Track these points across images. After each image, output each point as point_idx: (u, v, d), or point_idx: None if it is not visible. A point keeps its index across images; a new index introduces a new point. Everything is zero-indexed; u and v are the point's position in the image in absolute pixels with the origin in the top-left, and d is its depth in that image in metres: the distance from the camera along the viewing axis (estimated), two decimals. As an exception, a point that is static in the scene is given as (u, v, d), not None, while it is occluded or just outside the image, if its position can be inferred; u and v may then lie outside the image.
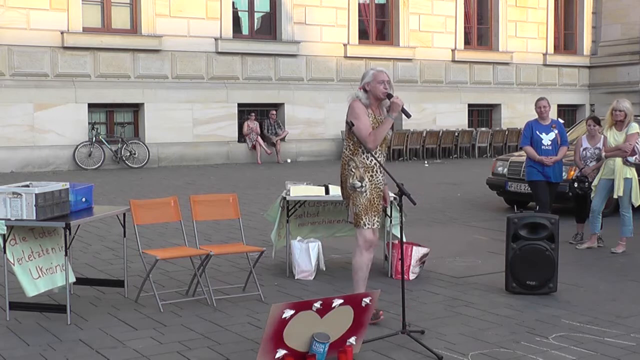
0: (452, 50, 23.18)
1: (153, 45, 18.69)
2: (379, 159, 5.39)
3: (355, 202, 5.38)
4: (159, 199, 6.79)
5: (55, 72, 17.66)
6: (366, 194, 5.35)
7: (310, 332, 4.44)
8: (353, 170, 5.38)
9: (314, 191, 7.05)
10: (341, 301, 4.54)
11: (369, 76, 5.43)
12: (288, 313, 4.32)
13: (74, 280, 6.10)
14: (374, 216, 5.39)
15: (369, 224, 5.38)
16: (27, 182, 5.67)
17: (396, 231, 6.79)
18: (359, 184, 5.34)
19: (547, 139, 8.68)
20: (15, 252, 5.44)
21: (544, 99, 8.81)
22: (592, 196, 8.43)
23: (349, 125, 5.37)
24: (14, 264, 5.41)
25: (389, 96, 5.38)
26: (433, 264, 7.33)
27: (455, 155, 22.40)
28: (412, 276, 6.79)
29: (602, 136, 8.55)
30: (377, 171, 5.40)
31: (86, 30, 18.08)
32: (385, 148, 5.52)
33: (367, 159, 5.38)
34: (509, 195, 11.34)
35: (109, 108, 18.72)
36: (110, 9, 18.60)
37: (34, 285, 5.51)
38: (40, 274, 5.58)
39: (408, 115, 5.42)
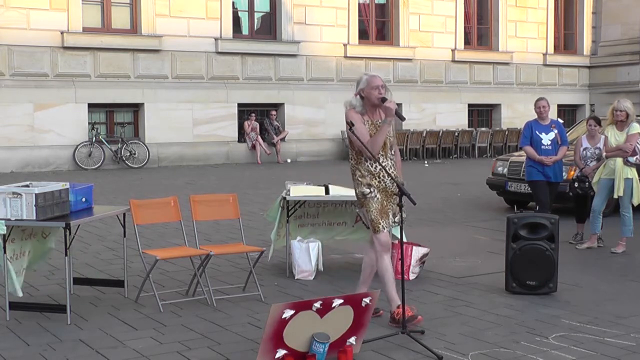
0: (452, 50, 23.18)
1: (153, 45, 18.69)
2: (384, 164, 5.37)
3: (369, 208, 5.40)
4: (159, 199, 6.78)
5: (55, 72, 17.67)
6: (377, 198, 5.37)
7: (310, 332, 4.44)
8: (360, 179, 5.41)
9: (314, 191, 7.04)
10: (341, 301, 4.54)
11: (363, 82, 5.41)
12: (288, 313, 4.32)
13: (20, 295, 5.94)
14: (386, 218, 5.42)
15: (385, 227, 5.41)
16: (27, 182, 5.67)
17: (396, 231, 6.78)
18: (368, 190, 5.37)
19: (546, 138, 8.68)
20: (9, 252, 5.43)
21: (543, 99, 8.81)
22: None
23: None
24: (11, 261, 5.42)
25: (383, 100, 5.34)
26: (433, 264, 7.32)
27: (455, 155, 22.41)
28: (412, 276, 6.79)
29: (603, 136, 8.55)
30: (384, 176, 5.39)
31: (86, 30, 18.08)
32: (391, 151, 5.48)
33: (372, 166, 5.38)
34: (509, 195, 11.34)
35: (109, 108, 18.73)
36: (110, 9, 18.60)
37: (19, 286, 5.51)
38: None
39: (402, 118, 5.41)
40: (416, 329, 5.15)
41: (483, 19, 24.39)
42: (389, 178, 5.38)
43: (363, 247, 7.81)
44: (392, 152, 5.51)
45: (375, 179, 5.37)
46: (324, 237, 7.42)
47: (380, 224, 5.37)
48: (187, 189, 12.99)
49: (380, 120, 5.41)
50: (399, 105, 22.27)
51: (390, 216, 5.45)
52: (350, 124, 5.36)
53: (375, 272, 5.58)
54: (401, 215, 5.79)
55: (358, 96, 5.43)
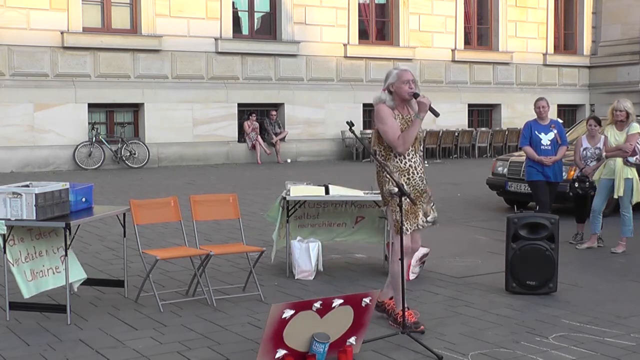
0: (452, 50, 23.17)
1: (153, 45, 18.69)
2: (413, 160, 5.29)
3: (394, 208, 5.24)
4: (159, 199, 6.79)
5: (55, 72, 17.67)
6: (405, 198, 5.18)
7: (310, 332, 4.44)
8: (387, 176, 5.26)
9: (314, 191, 7.04)
10: (341, 301, 4.54)
11: (393, 76, 5.28)
12: (288, 313, 4.33)
13: (85, 277, 6.16)
14: (414, 219, 5.31)
15: (410, 229, 5.29)
16: (27, 182, 5.67)
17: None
18: (396, 189, 5.16)
19: (546, 139, 8.68)
20: (13, 253, 5.44)
21: (542, 99, 8.81)
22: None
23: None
24: (13, 265, 5.42)
25: (416, 95, 5.24)
26: (433, 264, 7.32)
27: (455, 155, 22.41)
28: (412, 276, 6.78)
29: (603, 136, 8.56)
30: (413, 173, 5.29)
31: (86, 30, 18.08)
32: (420, 147, 5.39)
33: (401, 162, 5.27)
34: (509, 195, 11.34)
35: (109, 108, 18.72)
36: (110, 9, 18.60)
37: (26, 288, 5.51)
38: (32, 277, 5.58)
39: (436, 114, 5.24)
40: (416, 329, 5.14)
41: (483, 19, 24.38)
42: (418, 175, 5.29)
43: (364, 248, 7.84)
44: (421, 148, 5.42)
45: (404, 175, 5.26)
46: (324, 239, 7.41)
47: (403, 225, 5.18)
48: (187, 189, 12.99)
49: (410, 115, 5.31)
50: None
51: (421, 216, 5.33)
52: (350, 124, 5.29)
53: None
54: (401, 216, 5.71)
55: (386, 91, 5.31)
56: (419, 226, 5.34)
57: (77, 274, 6.11)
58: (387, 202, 5.33)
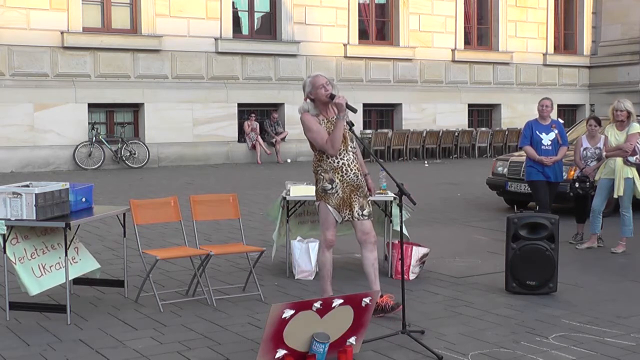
0: (452, 50, 23.18)
1: (153, 45, 18.69)
2: (345, 158, 5.51)
3: (328, 203, 5.52)
4: (159, 199, 6.79)
5: (55, 72, 17.67)
6: (338, 194, 5.51)
7: (310, 332, 4.44)
8: (322, 174, 5.55)
9: (313, 191, 7.03)
10: (341, 301, 4.54)
11: (308, 85, 5.54)
12: (288, 313, 4.33)
13: (99, 266, 6.23)
14: (345, 209, 5.53)
15: (342, 218, 5.53)
16: (27, 182, 5.66)
17: (403, 229, 6.74)
18: (329, 186, 5.50)
19: (546, 138, 8.68)
20: (17, 251, 5.42)
21: (547, 99, 8.80)
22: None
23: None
24: (15, 263, 5.40)
25: (332, 97, 5.44)
26: (433, 264, 7.32)
27: (455, 155, 22.41)
28: (412, 276, 6.79)
29: (603, 136, 8.56)
30: (347, 170, 5.52)
31: (86, 30, 18.08)
32: (352, 143, 5.60)
33: (334, 162, 5.52)
34: (509, 195, 11.33)
35: (109, 108, 18.73)
36: (110, 9, 18.60)
37: (37, 284, 5.49)
38: (43, 272, 5.56)
39: (354, 110, 5.47)
40: (416, 329, 5.15)
41: (483, 19, 24.38)
42: (352, 172, 5.52)
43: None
44: (353, 145, 5.64)
45: (338, 173, 5.50)
46: None
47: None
48: (187, 189, 12.99)
49: (334, 117, 5.52)
50: (400, 105, 22.32)
51: (357, 208, 5.54)
52: (349, 124, 5.46)
53: (377, 267, 5.67)
54: (401, 216, 5.78)
55: (308, 100, 5.55)
56: (354, 218, 5.56)
57: (90, 265, 6.13)
58: (319, 198, 5.58)
